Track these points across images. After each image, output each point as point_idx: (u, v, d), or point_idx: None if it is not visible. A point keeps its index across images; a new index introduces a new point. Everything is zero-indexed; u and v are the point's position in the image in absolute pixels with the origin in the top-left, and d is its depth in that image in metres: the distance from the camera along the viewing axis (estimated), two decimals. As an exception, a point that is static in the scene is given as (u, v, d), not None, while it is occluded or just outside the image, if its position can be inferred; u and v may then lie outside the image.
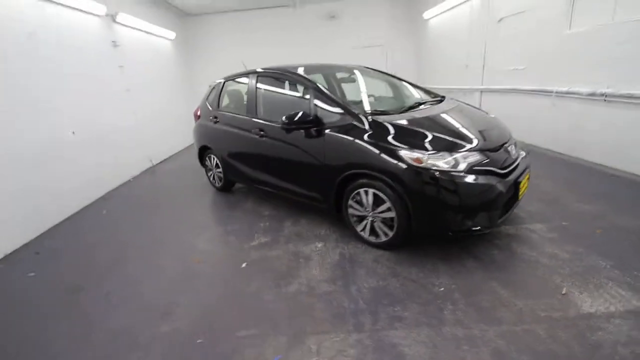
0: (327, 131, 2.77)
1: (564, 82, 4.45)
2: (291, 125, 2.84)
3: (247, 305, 2.19)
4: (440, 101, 3.24)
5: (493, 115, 3.17)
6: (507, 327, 1.81)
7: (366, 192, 2.58)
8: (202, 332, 1.99)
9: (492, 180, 2.28)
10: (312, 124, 2.82)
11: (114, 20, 5.46)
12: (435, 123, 2.64)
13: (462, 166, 2.25)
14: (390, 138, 2.43)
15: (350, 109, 2.70)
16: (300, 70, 3.22)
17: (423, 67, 9.19)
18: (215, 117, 4.12)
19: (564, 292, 2.03)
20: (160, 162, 6.76)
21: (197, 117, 4.60)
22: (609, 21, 3.82)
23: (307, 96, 3.01)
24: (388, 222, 2.54)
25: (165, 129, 7.21)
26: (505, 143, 2.59)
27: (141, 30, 6.44)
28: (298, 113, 2.82)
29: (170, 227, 3.60)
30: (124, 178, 5.46)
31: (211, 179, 4.59)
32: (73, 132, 4.34)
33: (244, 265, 2.69)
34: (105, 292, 2.49)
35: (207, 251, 2.99)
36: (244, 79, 3.81)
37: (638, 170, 3.63)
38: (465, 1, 6.77)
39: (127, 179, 5.54)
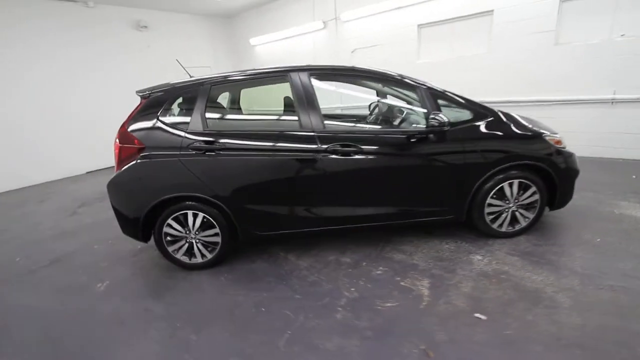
0: (459, 131, 2.53)
1: (425, 97, 6.15)
2: (443, 127, 2.36)
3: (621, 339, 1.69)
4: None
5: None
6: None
7: (510, 185, 2.60)
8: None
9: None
10: (448, 125, 2.46)
11: None
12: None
13: (563, 144, 2.84)
14: (530, 127, 2.62)
15: (484, 106, 2.62)
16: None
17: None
18: (211, 142, 2.41)
19: None
20: None
21: (126, 156, 2.44)
22: (449, 56, 5.75)
23: (417, 98, 2.61)
24: (526, 207, 2.68)
25: None
26: None
27: None
28: (442, 116, 2.37)
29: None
30: None
31: (180, 255, 2.58)
32: None
33: (481, 316, 1.93)
34: None
35: (422, 331, 1.83)
36: (268, 79, 2.65)
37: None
38: (299, 34, 7.56)
39: None
